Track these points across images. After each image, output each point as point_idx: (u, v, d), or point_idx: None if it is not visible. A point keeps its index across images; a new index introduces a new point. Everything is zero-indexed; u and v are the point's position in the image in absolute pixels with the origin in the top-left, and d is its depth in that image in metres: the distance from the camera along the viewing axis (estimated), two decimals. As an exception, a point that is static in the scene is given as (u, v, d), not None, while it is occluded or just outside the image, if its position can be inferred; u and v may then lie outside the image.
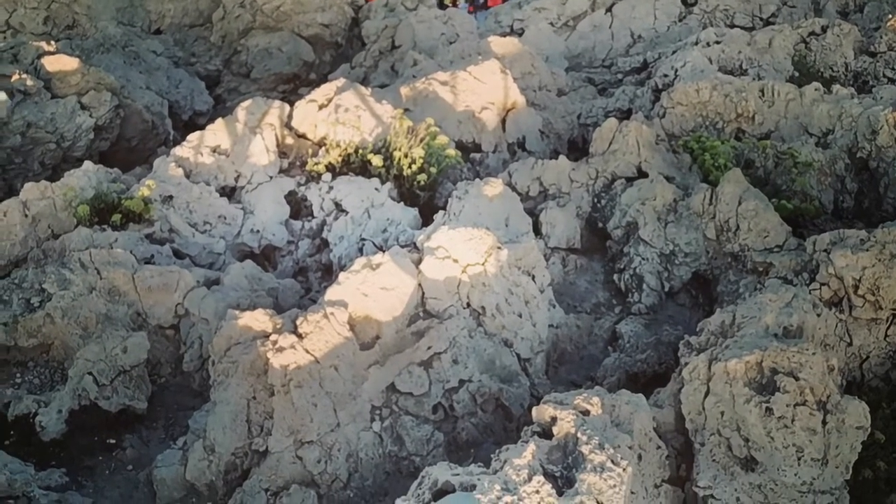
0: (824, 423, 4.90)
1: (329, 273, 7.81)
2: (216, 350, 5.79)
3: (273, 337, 5.72)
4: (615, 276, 8.11)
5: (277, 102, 9.15)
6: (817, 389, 5.06)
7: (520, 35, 15.58)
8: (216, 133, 8.60)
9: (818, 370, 5.26)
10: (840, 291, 6.66)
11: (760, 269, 7.42)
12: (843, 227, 7.98)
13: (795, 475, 4.83)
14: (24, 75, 10.34)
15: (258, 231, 7.95)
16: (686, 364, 5.64)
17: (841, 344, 6.45)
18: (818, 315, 6.13)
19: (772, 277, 7.08)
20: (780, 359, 5.32)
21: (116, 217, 7.16)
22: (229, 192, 8.25)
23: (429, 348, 6.16)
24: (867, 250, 6.65)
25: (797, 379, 5.18)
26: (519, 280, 7.01)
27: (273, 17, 15.33)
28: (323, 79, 14.11)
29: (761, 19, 15.70)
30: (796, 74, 12.35)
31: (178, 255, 7.32)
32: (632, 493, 4.62)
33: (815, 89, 10.43)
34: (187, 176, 8.03)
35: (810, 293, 6.42)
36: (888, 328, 6.51)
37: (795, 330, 5.91)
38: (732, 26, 15.02)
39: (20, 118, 9.99)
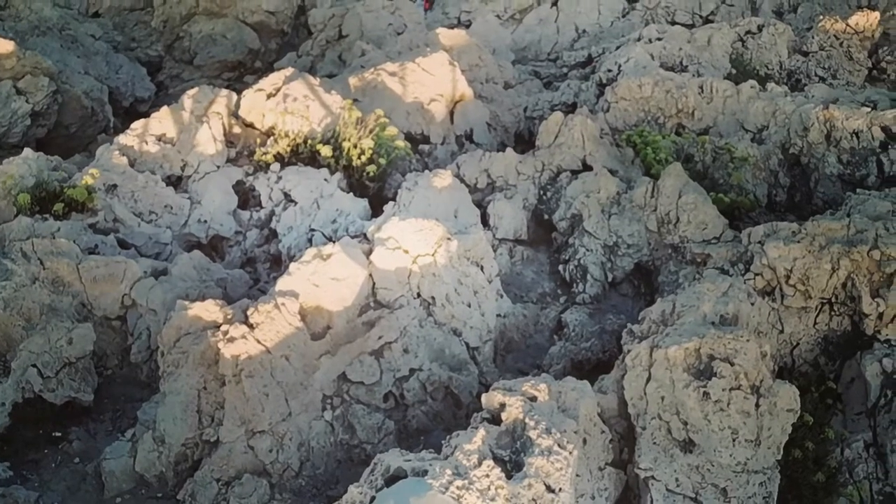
0: (757, 406, 5.17)
1: (278, 264, 7.80)
2: (166, 341, 5.75)
3: (224, 327, 5.71)
4: (560, 267, 8.31)
5: (224, 91, 9.05)
6: (751, 374, 5.32)
7: (467, 27, 15.70)
8: (161, 121, 8.46)
9: (752, 356, 5.53)
10: (773, 281, 6.98)
11: (699, 259, 7.71)
12: (776, 219, 8.32)
13: (731, 456, 5.08)
14: (-44, 58, 9.99)
15: (205, 221, 7.87)
16: (629, 351, 5.85)
17: (773, 331, 6.77)
18: (752, 304, 6.42)
19: (709, 268, 7.37)
20: (716, 345, 5.57)
21: (58, 206, 7.00)
22: (175, 182, 8.14)
23: (380, 338, 6.24)
24: (798, 242, 6.98)
25: (732, 364, 5.44)
26: (468, 270, 7.13)
27: (217, 2, 15.08)
28: (269, 67, 13.97)
29: (701, 17, 16.16)
30: (734, 72, 12.79)
31: (123, 245, 7.20)
32: (577, 475, 4.80)
33: (752, 87, 10.84)
34: (132, 165, 7.89)
35: (745, 283, 6.71)
36: (817, 316, 6.86)
37: (731, 318, 6.18)
38: (674, 23, 15.42)
39: (-48, 102, 9.66)
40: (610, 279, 8.06)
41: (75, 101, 11.30)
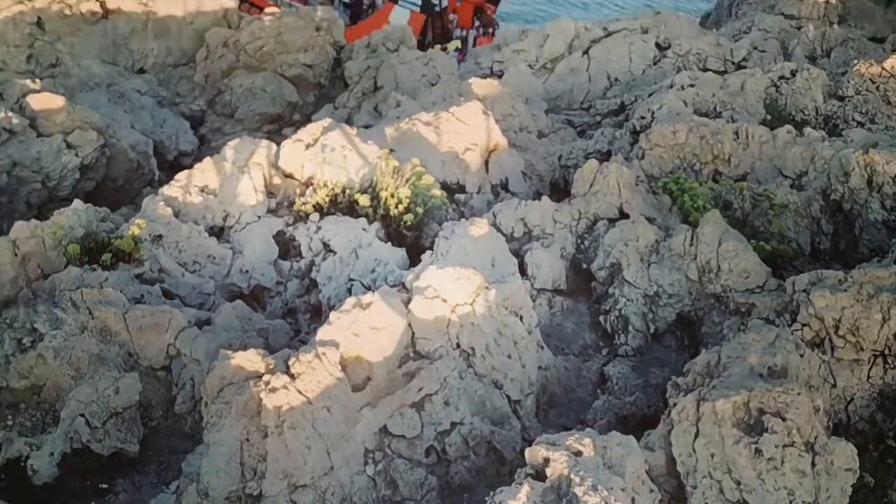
0: (813, 464, 5.02)
1: (318, 314, 7.84)
2: (209, 391, 5.79)
3: (266, 377, 5.73)
4: (601, 318, 8.23)
5: (265, 142, 9.24)
6: (804, 430, 5.18)
7: (499, 77, 15.90)
8: (204, 172, 8.66)
9: (804, 410, 5.39)
10: (821, 332, 6.83)
11: (743, 309, 7.60)
12: (820, 268, 8.16)
13: (787, 517, 4.92)
14: (10, 114, 10.34)
15: (247, 271, 7.97)
16: (674, 405, 5.74)
17: (825, 385, 6.60)
18: (801, 356, 6.29)
19: (754, 318, 7.25)
20: (766, 399, 5.45)
21: (106, 256, 7.15)
22: (218, 232, 8.29)
23: (420, 390, 6.21)
24: (845, 290, 6.85)
25: (784, 419, 5.30)
26: (507, 320, 7.10)
27: (256, 57, 15.49)
28: (306, 119, 14.25)
29: (733, 63, 16.19)
30: (768, 117, 12.73)
31: (168, 295, 7.31)
32: (627, 535, 4.68)
33: (788, 132, 10.77)
34: (176, 215, 8.06)
35: (793, 334, 6.59)
36: (870, 369, 6.67)
37: (780, 370, 6.05)
38: (705, 70, 15.47)
39: (6, 157, 9.98)
40: (652, 330, 7.96)
41: (122, 154, 11.60)
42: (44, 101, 10.83)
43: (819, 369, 6.41)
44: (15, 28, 14.97)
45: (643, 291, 8.04)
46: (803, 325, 6.85)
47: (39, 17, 15.15)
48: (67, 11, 15.46)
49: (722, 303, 7.78)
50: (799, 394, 5.48)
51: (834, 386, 6.57)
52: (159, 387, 6.36)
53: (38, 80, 11.84)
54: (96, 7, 15.71)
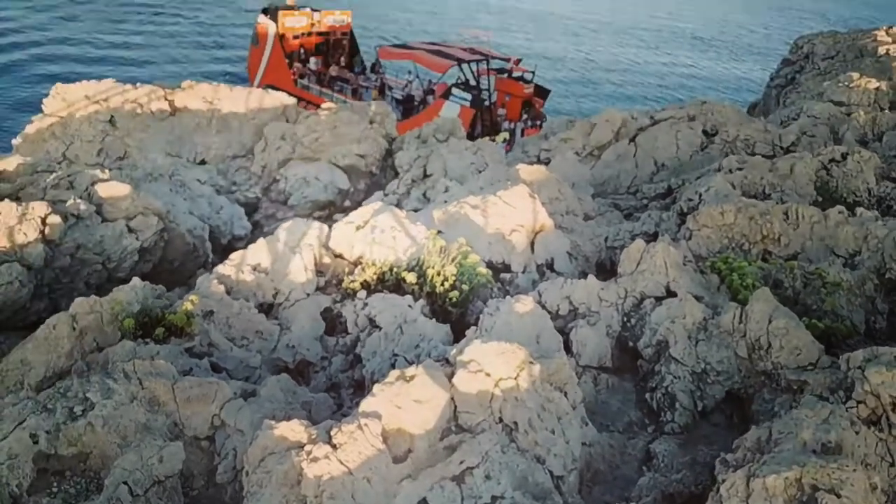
0: (870, 540, 4.75)
1: (361, 389, 7.89)
2: (251, 460, 5.83)
3: (308, 447, 5.76)
4: (647, 395, 8.07)
5: (316, 223, 9.58)
6: (861, 506, 4.94)
7: (546, 164, 16.21)
8: (257, 252, 8.97)
9: (860, 488, 5.15)
10: (878, 409, 6.56)
11: (795, 387, 7.36)
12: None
13: None
14: (78, 200, 10.96)
15: (293, 346, 8.12)
16: (723, 481, 5.55)
17: (883, 464, 6.29)
18: (857, 433, 6.04)
19: (807, 395, 7.01)
20: (820, 475, 5.22)
21: (159, 331, 7.41)
22: (267, 309, 8.51)
23: (461, 463, 6.13)
24: (902, 367, 6.61)
25: (839, 496, 5.07)
26: (551, 396, 7.02)
27: (312, 148, 16.21)
28: (357, 206, 14.69)
29: (781, 148, 16.20)
30: (819, 199, 12.63)
31: (215, 368, 7.48)
32: None
33: (840, 212, 10.66)
34: (228, 292, 8.33)
35: (847, 410, 6.35)
36: (931, 447, 6.36)
37: (834, 447, 5.82)
38: (753, 154, 15.51)
39: (71, 240, 10.50)
40: (700, 408, 7.76)
41: (179, 238, 12.11)
42: (110, 189, 11.46)
43: (876, 447, 6.13)
44: (90, 125, 16.08)
45: (690, 369, 7.88)
46: (858, 402, 6.60)
47: (112, 116, 16.24)
48: (139, 110, 16.56)
49: (773, 380, 7.56)
50: (855, 470, 5.25)
51: (892, 465, 6.24)
52: (202, 456, 6.43)
53: (106, 171, 12.56)
54: (165, 106, 16.80)
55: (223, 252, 13.34)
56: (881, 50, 24.71)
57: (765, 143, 16.38)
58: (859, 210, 11.22)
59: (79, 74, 17.36)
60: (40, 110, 16.54)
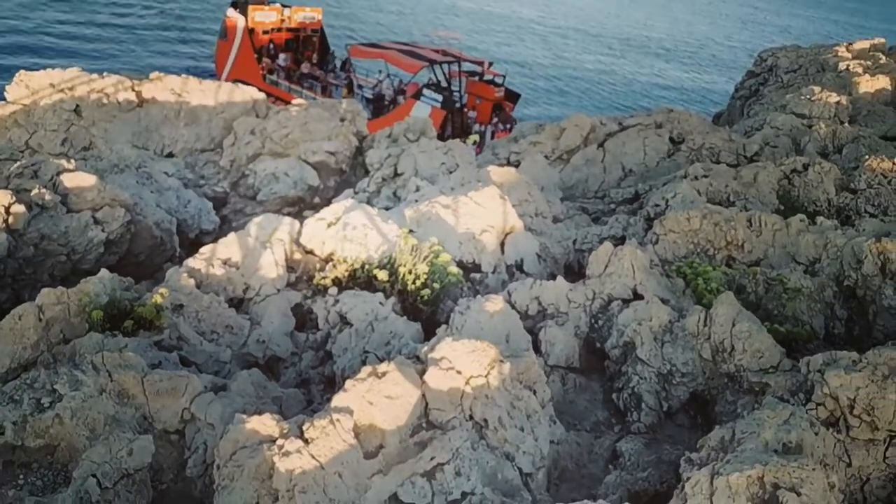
0: (829, 536, 4.92)
1: (331, 385, 7.90)
2: (222, 453, 5.81)
3: (279, 441, 5.76)
4: (614, 395, 8.21)
5: (288, 219, 9.54)
6: (820, 504, 5.11)
7: (516, 166, 16.34)
8: (228, 246, 8.91)
9: (819, 487, 5.32)
10: (836, 412, 6.77)
11: (757, 389, 7.56)
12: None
13: (804, 593, 4.79)
14: (43, 190, 10.75)
15: (264, 341, 8.09)
16: (688, 479, 5.69)
17: (840, 464, 6.51)
18: (816, 434, 6.24)
19: (768, 397, 7.21)
20: (781, 474, 5.39)
21: (128, 323, 7.32)
22: (238, 303, 8.46)
23: (432, 459, 6.18)
24: (860, 371, 6.83)
25: (799, 494, 5.23)
26: (521, 394, 7.11)
27: (281, 144, 16.10)
28: (326, 203, 14.64)
29: (745, 157, 16.57)
30: (781, 207, 12.96)
31: (184, 362, 7.42)
32: None
33: (801, 220, 10.95)
34: (198, 286, 8.26)
35: (807, 412, 6.55)
36: (886, 450, 6.58)
37: (794, 447, 6.00)
38: (718, 162, 15.83)
39: (35, 230, 10.30)
40: (665, 408, 7.92)
41: (146, 231, 11.94)
42: (76, 179, 11.26)
43: (834, 448, 6.34)
44: (54, 114, 15.75)
45: (656, 370, 8.04)
46: (818, 404, 6.81)
47: (77, 105, 15.93)
48: (105, 100, 16.27)
49: (736, 382, 7.75)
50: (814, 469, 5.42)
51: (849, 465, 6.46)
52: (172, 450, 6.38)
53: (72, 161, 12.33)
54: (132, 97, 16.53)
55: (190, 246, 13.19)
56: (842, 65, 25.39)
57: (729, 151, 16.73)
58: (819, 219, 11.54)
59: (40, 66, 17.00)
60: (2, 98, 16.18)
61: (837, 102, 20.29)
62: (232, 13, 38.94)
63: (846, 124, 19.26)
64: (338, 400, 6.22)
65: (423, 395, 6.60)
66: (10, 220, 9.65)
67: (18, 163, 11.36)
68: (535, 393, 7.29)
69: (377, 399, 6.33)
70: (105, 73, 16.87)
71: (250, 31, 38.12)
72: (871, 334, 9.25)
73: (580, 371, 8.53)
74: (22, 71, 16.46)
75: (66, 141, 15.57)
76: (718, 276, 9.68)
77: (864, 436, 6.60)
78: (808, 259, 10.44)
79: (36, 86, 16.03)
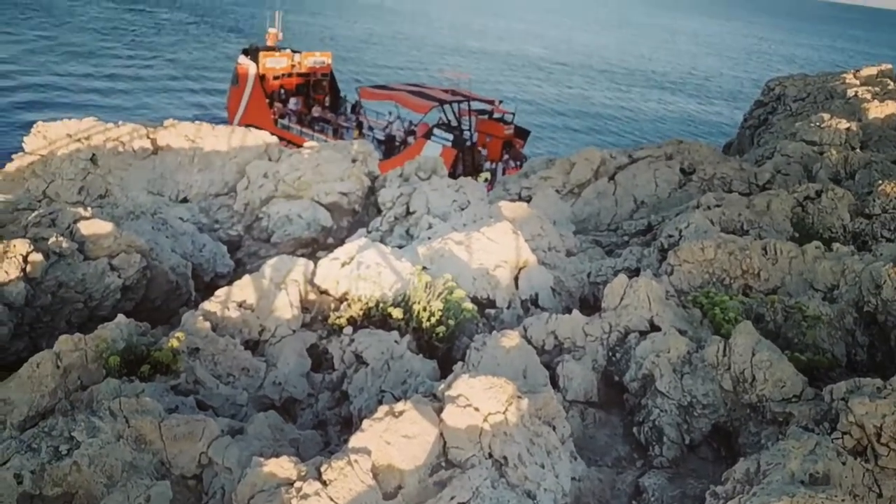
0: (862, 568, 4.78)
1: (348, 426, 7.83)
2: (240, 497, 5.75)
3: (297, 484, 5.70)
4: (634, 429, 8.09)
5: (302, 260, 9.57)
6: (851, 535, 4.98)
7: (528, 201, 16.40)
8: (243, 288, 8.94)
9: (850, 517, 5.20)
10: (863, 440, 6.64)
11: (780, 419, 7.43)
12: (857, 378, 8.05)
13: None
14: (61, 238, 10.87)
15: (280, 383, 8.06)
16: (714, 513, 5.57)
17: (870, 495, 6.34)
18: (843, 463, 6.10)
19: (792, 427, 7.08)
20: (809, 505, 5.27)
21: (145, 368, 7.32)
22: (253, 345, 8.46)
23: (452, 498, 6.08)
24: (885, 398, 6.71)
25: (829, 526, 5.11)
26: (540, 430, 7.02)
27: (294, 186, 16.25)
28: (340, 243, 14.73)
29: (757, 185, 16.54)
30: (796, 235, 12.89)
31: (201, 406, 7.39)
32: None
33: (816, 247, 10.88)
34: (214, 329, 8.27)
35: (833, 442, 6.42)
36: (916, 478, 6.43)
37: (822, 477, 5.87)
38: (730, 192, 15.81)
39: (52, 278, 10.39)
40: (687, 441, 7.79)
41: (162, 276, 12.02)
42: (92, 226, 11.39)
43: (863, 478, 6.19)
44: (71, 163, 16.03)
45: (677, 402, 7.93)
46: (844, 433, 6.67)
47: (94, 154, 16.21)
48: (120, 148, 16.55)
49: (758, 413, 7.62)
50: (843, 500, 5.30)
51: (880, 496, 6.30)
52: (189, 495, 6.32)
53: (88, 209, 12.49)
54: (147, 144, 16.81)
55: (206, 290, 13.25)
56: (850, 92, 25.45)
57: (741, 180, 16.72)
58: (835, 245, 11.46)
59: (56, 119, 17.36)
60: (21, 149, 16.48)
61: (847, 128, 20.27)
62: (243, 60, 39.71)
63: (857, 150, 19.21)
64: (355, 440, 6.16)
65: (441, 434, 6.53)
66: (29, 268, 9.74)
67: (36, 212, 11.51)
68: (554, 429, 7.20)
69: (395, 439, 6.27)
70: (120, 122, 17.19)
71: (261, 77, 38.79)
72: (894, 360, 9.10)
73: (599, 405, 8.43)
74: (39, 122, 16.82)
75: (82, 189, 15.81)
76: (735, 306, 9.59)
77: (894, 465, 6.45)
78: (825, 286, 10.34)
79: (53, 136, 16.35)
